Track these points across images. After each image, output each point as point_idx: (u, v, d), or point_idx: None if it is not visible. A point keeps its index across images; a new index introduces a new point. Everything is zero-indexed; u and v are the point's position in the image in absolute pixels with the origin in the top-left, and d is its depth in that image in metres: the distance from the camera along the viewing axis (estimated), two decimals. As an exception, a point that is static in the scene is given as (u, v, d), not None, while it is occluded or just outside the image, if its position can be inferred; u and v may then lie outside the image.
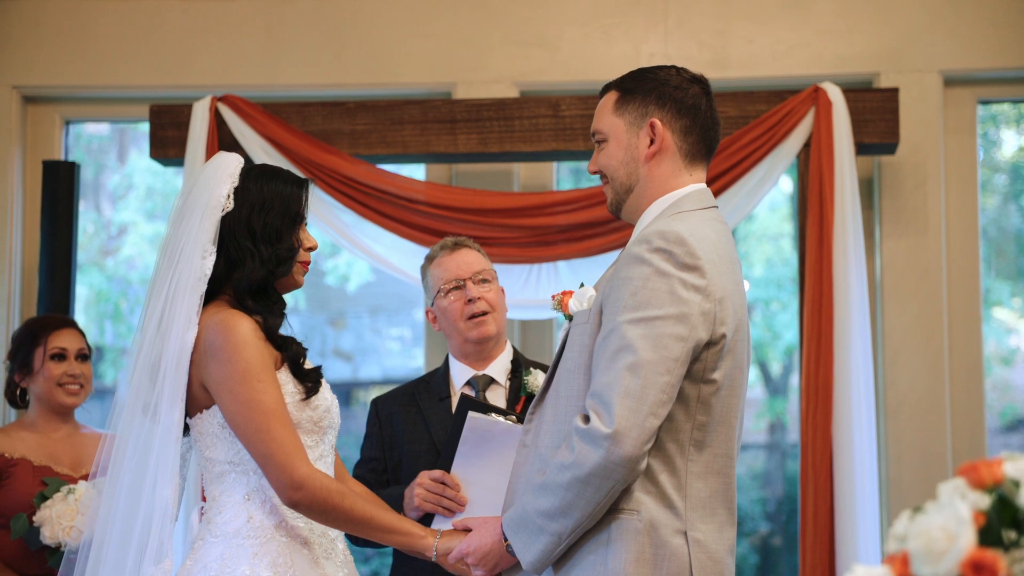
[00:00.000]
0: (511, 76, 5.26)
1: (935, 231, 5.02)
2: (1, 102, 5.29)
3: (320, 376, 2.86)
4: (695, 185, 2.76)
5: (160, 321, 2.79)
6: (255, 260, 2.80)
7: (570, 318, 2.75)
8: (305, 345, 2.90)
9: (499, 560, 2.72)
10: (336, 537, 2.90)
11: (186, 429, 2.85)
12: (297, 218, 2.87)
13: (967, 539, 1.39)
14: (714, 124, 2.80)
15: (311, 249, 2.93)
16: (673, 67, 2.80)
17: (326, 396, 2.89)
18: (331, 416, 2.90)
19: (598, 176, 2.85)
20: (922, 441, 4.98)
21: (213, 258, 2.78)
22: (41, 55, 5.34)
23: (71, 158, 5.50)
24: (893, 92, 4.80)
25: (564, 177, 5.74)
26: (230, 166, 2.86)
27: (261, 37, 5.30)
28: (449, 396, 3.62)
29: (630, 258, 2.59)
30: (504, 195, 5.01)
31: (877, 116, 4.78)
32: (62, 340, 4.10)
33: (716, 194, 4.82)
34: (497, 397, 3.59)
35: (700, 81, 2.79)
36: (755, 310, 8.70)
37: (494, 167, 5.22)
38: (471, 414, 3.15)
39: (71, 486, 3.88)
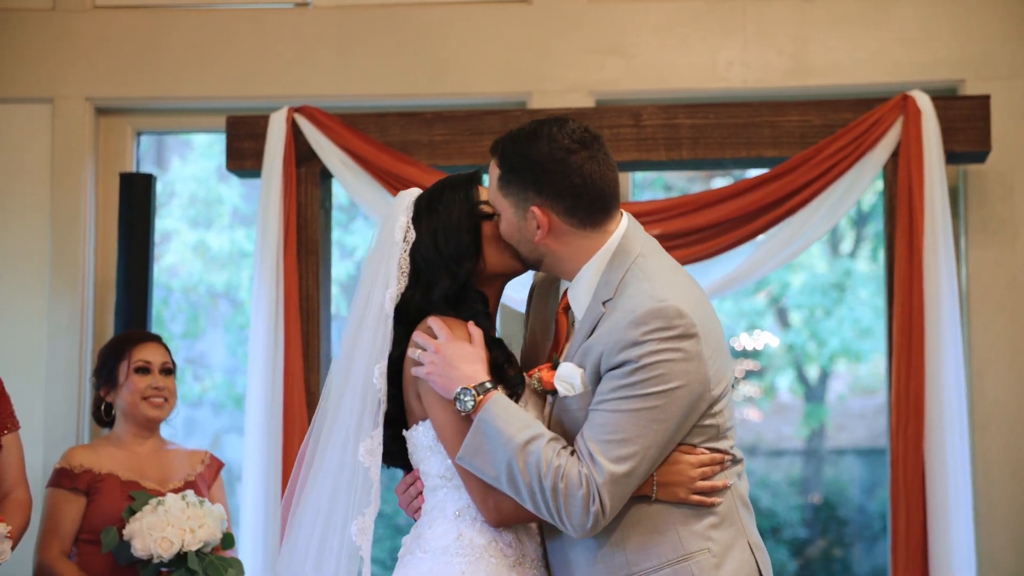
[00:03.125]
0: (586, 85, 5.19)
1: (1023, 241, 4.93)
2: (74, 114, 5.26)
3: (523, 381, 2.78)
4: (620, 227, 2.65)
5: (367, 355, 2.77)
6: (440, 270, 2.75)
7: (552, 394, 2.68)
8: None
9: (443, 381, 2.66)
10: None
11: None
12: (473, 209, 2.76)
13: None
14: (602, 187, 2.61)
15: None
16: (550, 131, 2.61)
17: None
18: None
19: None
20: (1012, 456, 4.88)
21: (396, 287, 2.75)
22: (113, 66, 5.31)
23: (142, 169, 5.47)
24: (984, 99, 4.71)
25: (640, 190, 5.67)
26: (403, 201, 2.83)
27: (335, 47, 5.26)
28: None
29: (628, 344, 2.49)
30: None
31: (967, 124, 4.70)
32: (146, 353, 4.10)
33: (800, 206, 4.74)
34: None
35: (582, 141, 2.61)
36: (797, 314, 8.62)
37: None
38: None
39: (160, 499, 3.85)
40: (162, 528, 3.76)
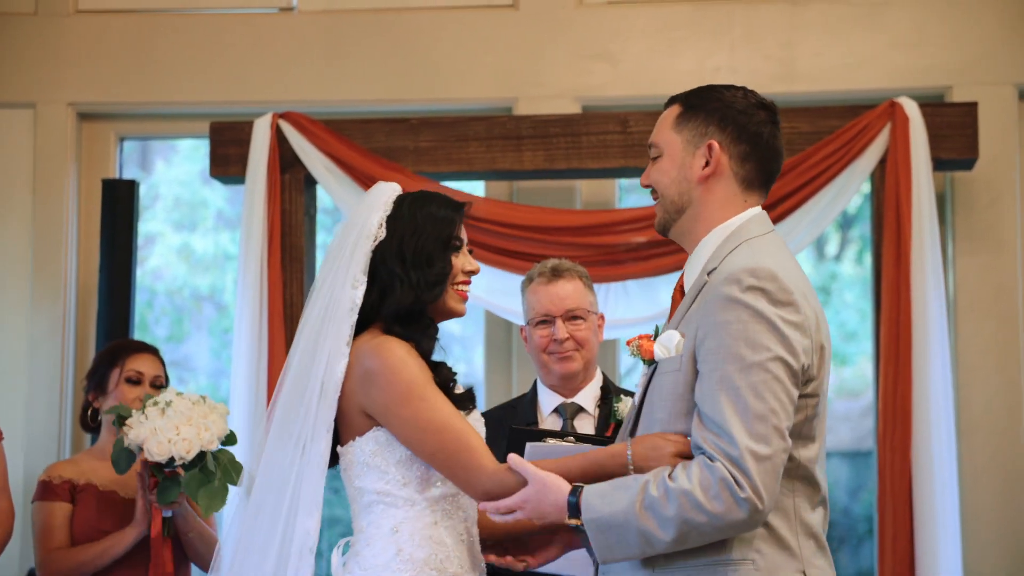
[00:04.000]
0: (574, 91, 5.17)
1: (1010, 248, 4.93)
2: (57, 119, 5.21)
3: (473, 399, 2.78)
4: (753, 209, 2.65)
5: (313, 352, 2.72)
6: (404, 285, 2.72)
7: (649, 363, 2.64)
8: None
9: (546, 524, 2.61)
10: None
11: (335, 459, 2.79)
12: (450, 241, 2.78)
13: None
14: (776, 155, 2.68)
15: (471, 273, 2.84)
16: (742, 88, 2.69)
17: (475, 419, 2.82)
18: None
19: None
20: (998, 462, 4.88)
21: (363, 288, 2.72)
22: (96, 71, 5.26)
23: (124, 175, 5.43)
24: (972, 106, 4.71)
25: (626, 194, 5.65)
26: (384, 194, 2.80)
27: (320, 52, 5.22)
28: (536, 423, 3.54)
29: (723, 301, 2.45)
30: (570, 213, 4.92)
31: (955, 131, 4.69)
32: (140, 364, 4.02)
33: (787, 213, 4.73)
34: (586, 425, 3.51)
35: (768, 108, 2.68)
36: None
37: (557, 184, 5.13)
38: (529, 444, 3.06)
39: (157, 399, 3.62)
40: (175, 428, 3.54)
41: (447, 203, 2.81)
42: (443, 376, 2.75)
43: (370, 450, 2.70)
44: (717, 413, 2.41)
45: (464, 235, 2.83)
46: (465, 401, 2.76)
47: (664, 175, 2.65)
